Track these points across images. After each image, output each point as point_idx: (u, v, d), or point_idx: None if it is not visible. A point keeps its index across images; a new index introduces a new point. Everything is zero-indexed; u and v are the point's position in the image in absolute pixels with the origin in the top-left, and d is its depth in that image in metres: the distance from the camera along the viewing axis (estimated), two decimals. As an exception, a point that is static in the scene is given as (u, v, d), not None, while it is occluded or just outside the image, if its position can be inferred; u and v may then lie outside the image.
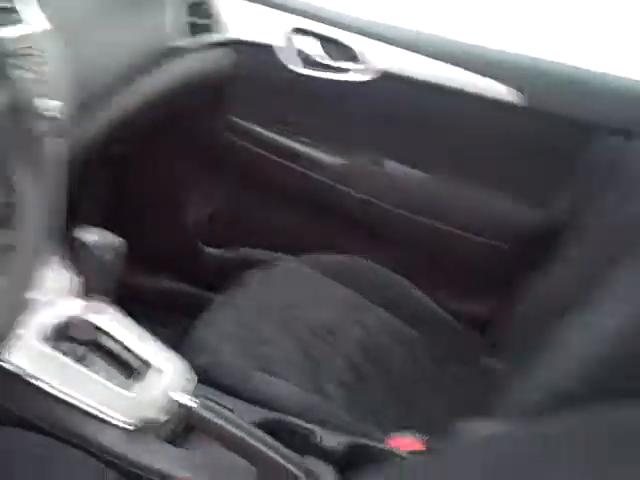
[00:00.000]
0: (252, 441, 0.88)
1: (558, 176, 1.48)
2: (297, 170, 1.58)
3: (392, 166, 1.59)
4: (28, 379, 0.89)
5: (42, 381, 0.90)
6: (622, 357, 0.89)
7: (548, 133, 1.48)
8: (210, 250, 1.69)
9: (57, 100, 0.81)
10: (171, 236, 1.66)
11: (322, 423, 1.02)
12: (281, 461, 0.88)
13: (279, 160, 1.59)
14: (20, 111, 0.75)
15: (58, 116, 0.80)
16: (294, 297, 1.34)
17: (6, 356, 0.88)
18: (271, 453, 0.88)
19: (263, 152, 1.59)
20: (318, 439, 0.98)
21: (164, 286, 1.70)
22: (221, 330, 1.21)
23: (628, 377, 0.79)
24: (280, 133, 1.60)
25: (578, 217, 1.43)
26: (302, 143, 1.59)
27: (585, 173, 1.46)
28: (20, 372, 0.89)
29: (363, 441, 1.00)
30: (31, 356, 0.90)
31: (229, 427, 0.88)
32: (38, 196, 0.76)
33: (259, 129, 1.59)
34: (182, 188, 1.65)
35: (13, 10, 0.81)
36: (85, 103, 1.00)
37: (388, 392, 1.23)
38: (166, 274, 1.69)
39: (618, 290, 0.97)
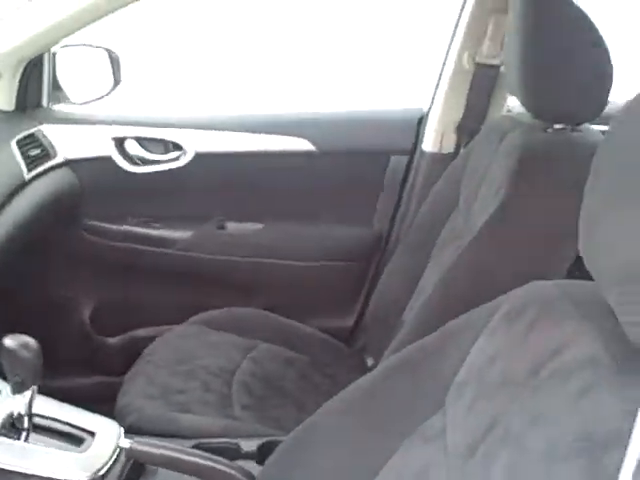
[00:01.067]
0: (193, 458, 1.07)
1: (367, 196, 1.82)
2: (154, 251, 1.80)
3: (233, 225, 1.85)
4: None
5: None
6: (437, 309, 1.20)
7: (349, 167, 1.81)
8: (107, 339, 1.85)
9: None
10: (71, 335, 1.80)
11: (239, 436, 1.24)
12: (222, 467, 1.08)
13: (136, 246, 1.80)
14: None
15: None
16: (191, 352, 1.55)
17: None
18: (212, 463, 1.08)
19: (121, 244, 1.80)
20: (240, 447, 1.19)
21: (78, 382, 1.81)
22: (140, 393, 1.39)
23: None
24: (132, 224, 1.81)
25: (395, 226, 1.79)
26: (153, 228, 1.82)
27: (389, 191, 1.82)
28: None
29: (272, 439, 1.22)
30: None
31: (170, 452, 1.07)
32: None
33: (113, 226, 1.80)
34: (64, 291, 1.81)
35: None
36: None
37: (284, 403, 1.46)
38: (78, 370, 1.81)
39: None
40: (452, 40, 1.68)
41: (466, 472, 0.70)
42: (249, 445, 1.19)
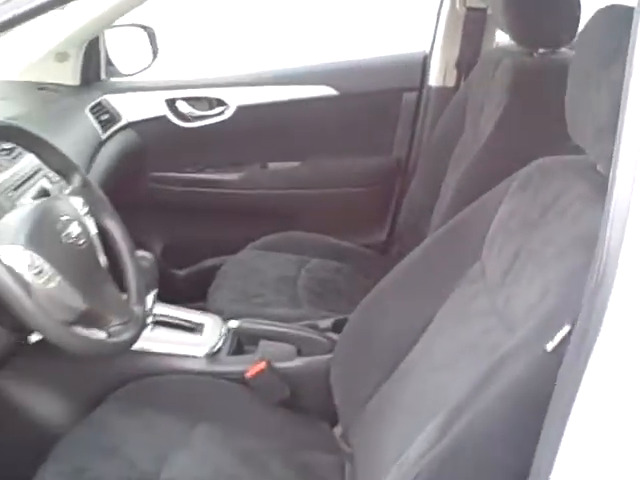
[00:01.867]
0: (287, 329, 1.38)
1: (385, 129, 2.11)
2: (210, 192, 2.10)
3: (274, 166, 2.15)
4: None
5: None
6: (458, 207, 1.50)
7: (368, 106, 2.09)
8: (178, 272, 2.16)
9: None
10: None
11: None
12: (312, 335, 1.39)
13: (194, 190, 2.10)
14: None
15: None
16: (257, 268, 1.83)
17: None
18: (303, 333, 1.39)
19: (181, 189, 2.09)
20: (317, 325, 1.50)
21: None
22: (225, 299, 1.69)
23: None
24: (189, 172, 2.11)
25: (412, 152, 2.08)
26: (207, 173, 2.11)
27: (403, 123, 2.11)
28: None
29: (341, 317, 1.50)
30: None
31: (271, 327, 1.38)
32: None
33: (173, 174, 2.09)
34: (136, 235, 2.09)
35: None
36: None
37: (339, 298, 1.76)
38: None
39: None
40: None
41: (501, 292, 1.00)
42: (324, 323, 1.49)
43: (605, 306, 0.63)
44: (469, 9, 1.91)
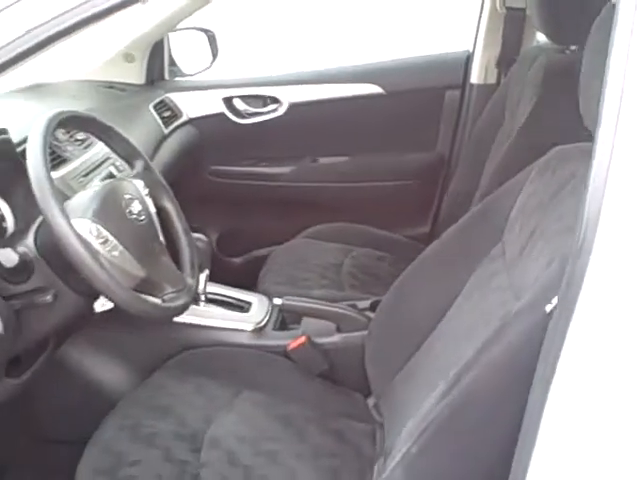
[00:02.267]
0: (328, 306, 1.49)
1: (429, 125, 2.20)
2: (263, 185, 2.24)
3: (324, 160, 2.27)
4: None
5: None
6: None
7: (413, 103, 2.19)
8: (232, 260, 2.30)
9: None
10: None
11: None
12: (350, 313, 1.50)
13: (249, 182, 2.24)
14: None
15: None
16: (306, 255, 1.95)
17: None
18: (342, 311, 1.50)
19: (237, 182, 2.23)
20: (356, 305, 1.60)
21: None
22: (273, 282, 1.82)
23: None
24: (244, 165, 2.24)
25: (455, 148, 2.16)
26: (261, 166, 2.25)
27: (446, 119, 2.19)
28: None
29: (378, 298, 1.60)
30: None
31: (314, 304, 1.49)
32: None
33: (230, 167, 2.23)
34: (194, 224, 2.24)
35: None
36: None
37: (379, 284, 1.86)
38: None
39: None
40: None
41: (517, 268, 1.08)
42: (363, 304, 1.59)
43: (585, 270, 0.71)
44: (509, 9, 1.99)
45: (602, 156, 0.70)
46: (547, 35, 1.56)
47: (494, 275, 1.17)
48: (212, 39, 2.20)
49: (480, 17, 2.09)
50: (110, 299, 1.08)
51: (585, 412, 0.76)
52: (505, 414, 0.87)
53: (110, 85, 2.08)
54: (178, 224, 1.32)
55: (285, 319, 1.57)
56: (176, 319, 1.50)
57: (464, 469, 0.92)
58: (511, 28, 2.01)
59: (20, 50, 0.88)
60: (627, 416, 0.75)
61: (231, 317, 1.54)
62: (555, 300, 0.83)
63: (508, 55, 2.02)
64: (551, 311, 0.83)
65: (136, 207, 1.18)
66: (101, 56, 2.08)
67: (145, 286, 1.15)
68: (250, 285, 1.90)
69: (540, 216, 1.07)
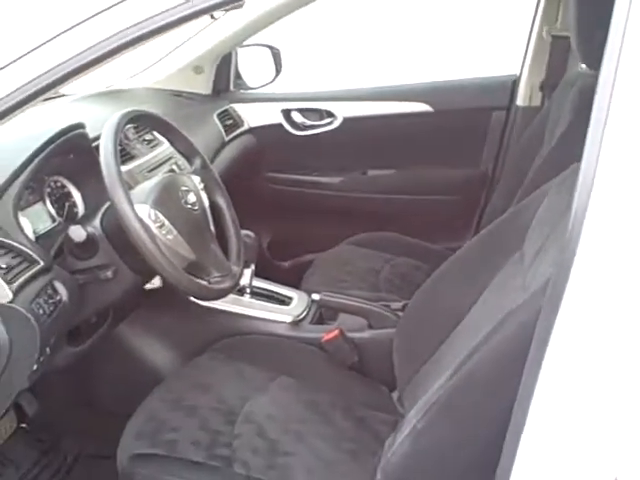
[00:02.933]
0: (362, 303, 1.60)
1: (475, 144, 2.30)
2: (315, 193, 2.37)
3: (372, 172, 2.40)
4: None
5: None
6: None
7: (460, 122, 2.29)
8: (282, 263, 2.45)
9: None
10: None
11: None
12: (382, 311, 1.60)
13: (302, 190, 2.37)
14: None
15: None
16: (349, 260, 2.06)
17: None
18: (374, 308, 1.61)
19: (291, 189, 2.37)
20: (390, 306, 1.70)
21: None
22: (315, 283, 1.92)
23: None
24: (299, 174, 2.38)
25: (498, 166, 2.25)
26: (314, 176, 2.39)
27: (491, 139, 2.29)
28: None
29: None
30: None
31: (349, 301, 1.61)
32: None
33: (285, 175, 2.38)
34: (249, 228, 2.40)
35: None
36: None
37: (415, 290, 1.95)
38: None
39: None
40: (534, 19, 2.15)
41: (530, 270, 1.17)
42: (396, 305, 1.69)
43: (572, 261, 0.81)
44: (554, 37, 2.09)
45: (588, 163, 0.80)
46: (583, 61, 1.64)
47: (512, 278, 1.26)
48: (277, 55, 2.35)
49: (528, 43, 2.18)
50: (162, 277, 1.22)
51: (572, 396, 0.85)
52: (502, 395, 0.95)
53: (179, 94, 2.25)
54: (228, 218, 1.45)
55: (323, 315, 1.69)
56: (222, 307, 1.65)
57: (464, 443, 1.01)
58: (556, 54, 2.10)
59: (108, 49, 1.00)
60: (610, 400, 0.84)
61: (272, 309, 1.67)
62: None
63: (552, 80, 2.10)
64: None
65: (191, 198, 1.32)
66: (172, 66, 2.25)
67: (194, 268, 1.29)
68: (295, 286, 2.03)
69: (554, 225, 1.16)
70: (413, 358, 1.43)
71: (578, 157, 1.51)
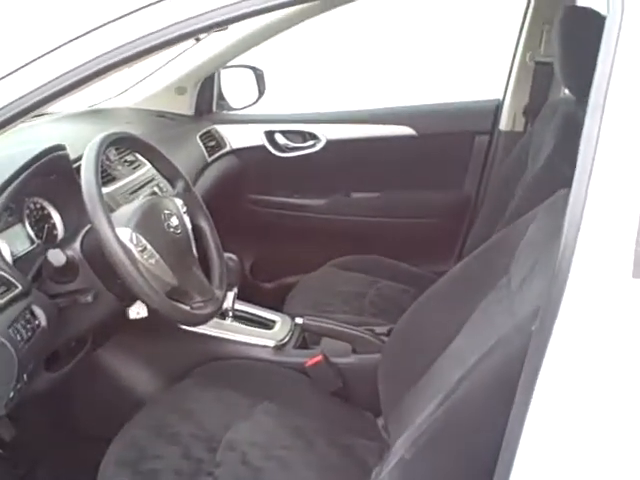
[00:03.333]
0: (346, 328, 1.59)
1: (458, 168, 2.31)
2: (297, 215, 2.36)
3: (356, 195, 2.39)
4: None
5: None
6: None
7: (443, 145, 2.30)
8: (264, 284, 2.42)
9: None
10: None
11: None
12: (366, 336, 1.59)
13: (284, 212, 2.36)
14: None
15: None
16: (332, 284, 2.04)
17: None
18: (359, 333, 1.59)
19: (273, 211, 2.36)
20: (374, 330, 1.69)
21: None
22: (299, 306, 1.90)
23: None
24: (281, 196, 2.37)
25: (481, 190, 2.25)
26: (296, 198, 2.37)
27: (474, 163, 2.30)
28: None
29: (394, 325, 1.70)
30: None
31: (332, 326, 1.59)
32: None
33: (267, 197, 2.36)
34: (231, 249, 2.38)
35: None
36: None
37: (401, 313, 1.94)
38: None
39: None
40: (517, 45, 2.17)
41: (518, 296, 1.16)
42: (381, 329, 1.68)
43: (562, 292, 0.80)
44: (537, 63, 2.11)
45: (577, 196, 0.80)
46: (566, 87, 1.66)
47: (498, 302, 1.25)
48: (260, 77, 2.34)
49: (511, 69, 2.19)
50: (143, 301, 1.20)
51: (564, 426, 0.84)
52: (493, 421, 0.94)
53: (161, 114, 2.23)
54: (211, 241, 1.43)
55: (306, 339, 1.67)
56: (204, 331, 1.63)
57: (454, 475, 0.99)
58: (539, 80, 2.12)
59: (109, 62, 0.98)
60: (602, 432, 0.83)
61: (255, 333, 1.65)
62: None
63: (535, 105, 2.11)
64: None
65: (174, 222, 1.30)
66: (155, 87, 2.24)
67: (176, 293, 1.27)
68: (278, 308, 2.01)
69: (541, 251, 1.15)
70: (398, 383, 1.42)
71: (563, 182, 1.53)
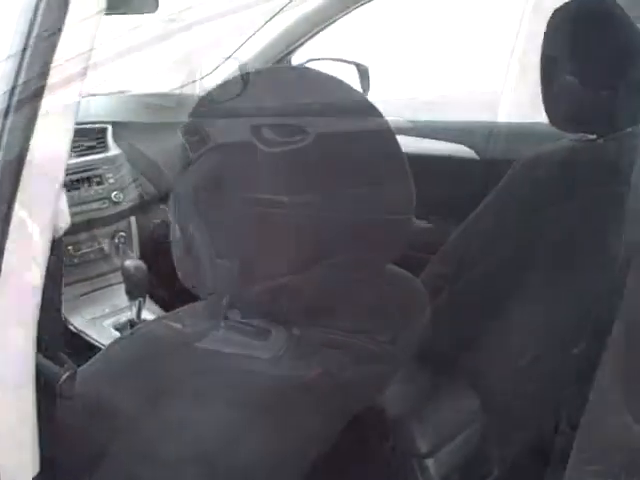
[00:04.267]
0: (345, 338, 1.49)
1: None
2: (286, 212, 2.23)
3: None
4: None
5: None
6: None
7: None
8: (248, 287, 2.27)
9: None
10: None
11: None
12: (368, 345, 1.49)
13: (273, 209, 2.23)
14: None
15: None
16: None
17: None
18: (360, 342, 1.50)
19: (262, 209, 2.23)
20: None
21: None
22: None
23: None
24: (268, 193, 2.25)
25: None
26: (285, 195, 2.25)
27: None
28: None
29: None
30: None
31: (327, 334, 1.49)
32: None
33: (254, 194, 2.24)
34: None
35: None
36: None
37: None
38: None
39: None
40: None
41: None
42: (383, 337, 1.58)
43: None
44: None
45: None
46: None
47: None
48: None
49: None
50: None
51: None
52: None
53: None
54: None
55: (304, 350, 1.57)
56: (196, 343, 1.52)
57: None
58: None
59: None
60: None
61: (249, 344, 1.54)
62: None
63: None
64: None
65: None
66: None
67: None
68: (269, 313, 1.91)
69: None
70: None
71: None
